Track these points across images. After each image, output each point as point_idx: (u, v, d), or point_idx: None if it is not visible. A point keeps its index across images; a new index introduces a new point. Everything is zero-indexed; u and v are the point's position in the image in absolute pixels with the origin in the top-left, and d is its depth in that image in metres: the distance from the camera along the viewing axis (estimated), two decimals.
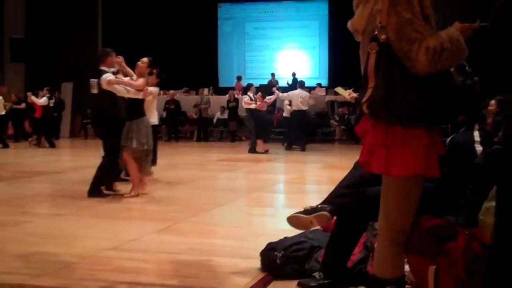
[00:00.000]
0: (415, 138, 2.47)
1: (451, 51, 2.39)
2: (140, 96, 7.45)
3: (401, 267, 2.68)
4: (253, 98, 15.50)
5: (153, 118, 8.67)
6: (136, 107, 7.45)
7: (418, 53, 2.38)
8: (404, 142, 2.47)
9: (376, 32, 2.48)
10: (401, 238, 2.63)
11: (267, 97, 16.22)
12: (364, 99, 2.51)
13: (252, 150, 15.22)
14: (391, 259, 2.62)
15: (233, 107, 19.96)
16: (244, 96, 16.15)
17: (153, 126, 8.28)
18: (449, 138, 3.19)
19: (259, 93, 15.84)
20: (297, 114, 16.19)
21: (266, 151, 15.11)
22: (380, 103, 2.44)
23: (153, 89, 8.44)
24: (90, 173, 7.59)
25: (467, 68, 3.20)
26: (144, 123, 7.40)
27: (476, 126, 3.22)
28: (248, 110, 15.49)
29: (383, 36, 2.46)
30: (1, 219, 5.80)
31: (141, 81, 7.42)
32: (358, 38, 2.69)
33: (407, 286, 3.32)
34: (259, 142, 15.32)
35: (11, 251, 4.43)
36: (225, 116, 21.26)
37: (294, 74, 21.41)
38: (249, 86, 16.15)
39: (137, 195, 7.31)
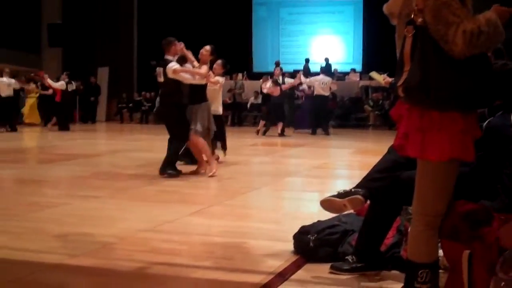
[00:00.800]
0: (452, 123, 2.46)
1: (488, 34, 2.37)
2: (203, 82, 7.82)
3: (435, 251, 2.69)
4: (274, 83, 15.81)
5: (218, 107, 8.91)
6: (198, 92, 7.82)
7: (455, 36, 2.36)
8: (441, 126, 2.46)
9: (412, 16, 2.48)
10: (436, 222, 2.62)
11: (288, 81, 16.30)
12: (399, 83, 2.51)
13: (282, 133, 15.46)
14: (425, 243, 2.62)
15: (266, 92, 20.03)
16: (267, 81, 16.37)
17: (219, 116, 8.72)
18: (486, 122, 3.16)
19: (272, 79, 15.96)
20: (318, 99, 16.34)
21: (258, 132, 15.86)
22: (416, 87, 2.44)
23: (220, 79, 8.76)
24: (126, 157, 7.70)
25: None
26: (205, 108, 7.79)
27: None
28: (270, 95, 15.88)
29: (419, 19, 2.45)
30: (39, 201, 5.93)
31: (205, 68, 7.83)
32: (393, 21, 2.68)
33: (440, 270, 3.32)
34: (261, 124, 16.17)
35: (49, 232, 4.53)
36: (259, 101, 21.29)
37: (327, 60, 21.30)
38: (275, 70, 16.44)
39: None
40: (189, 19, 24.41)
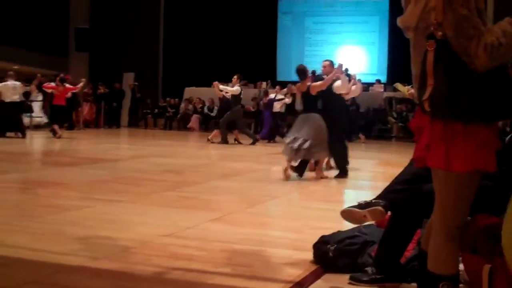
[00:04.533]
0: (476, 133, 2.44)
1: (507, 45, 2.37)
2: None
3: (456, 264, 2.65)
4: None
5: None
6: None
7: (478, 49, 2.36)
8: (465, 137, 2.44)
9: (432, 29, 2.47)
10: (457, 233, 2.59)
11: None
12: (425, 97, 2.49)
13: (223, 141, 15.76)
14: (446, 254, 2.59)
15: (290, 102, 20.02)
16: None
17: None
18: (510, 136, 3.13)
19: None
20: None
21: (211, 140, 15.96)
22: (443, 101, 2.43)
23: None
24: (148, 162, 7.74)
25: None
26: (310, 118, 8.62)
27: None
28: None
29: (439, 33, 2.44)
30: (61, 203, 5.97)
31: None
32: (408, 34, 2.68)
33: (460, 285, 3.29)
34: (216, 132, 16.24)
35: (70, 234, 4.56)
36: (283, 110, 21.28)
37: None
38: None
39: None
40: (215, 27, 24.56)
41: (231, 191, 7.37)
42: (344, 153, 9.24)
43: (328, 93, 8.98)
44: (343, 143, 9.32)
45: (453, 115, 2.44)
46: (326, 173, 9.21)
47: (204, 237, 4.65)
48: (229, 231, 4.94)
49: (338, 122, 9.16)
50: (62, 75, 17.34)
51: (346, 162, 9.26)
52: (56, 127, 15.90)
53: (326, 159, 9.54)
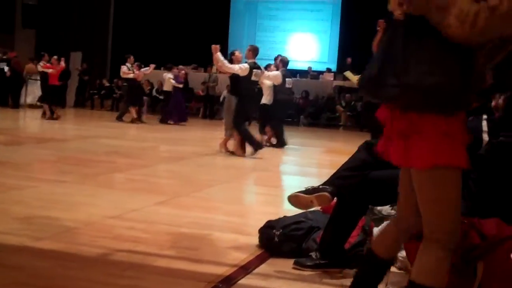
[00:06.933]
0: (432, 126, 2.16)
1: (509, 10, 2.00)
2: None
3: (444, 276, 2.31)
4: (130, 68, 16.40)
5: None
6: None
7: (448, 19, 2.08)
8: (422, 129, 2.17)
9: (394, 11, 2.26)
10: (446, 240, 2.28)
11: (144, 68, 16.89)
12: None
13: (119, 118, 16.37)
14: (432, 264, 2.29)
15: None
16: (123, 66, 16.68)
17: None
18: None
19: (136, 63, 16.59)
20: None
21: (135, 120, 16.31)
22: (369, 80, 2.26)
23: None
24: (95, 143, 7.64)
25: None
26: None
27: (484, 116, 3.17)
28: (126, 79, 16.66)
29: (398, 13, 2.23)
30: (5, 182, 5.83)
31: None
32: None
33: (401, 271, 3.37)
34: (131, 109, 16.54)
35: (14, 213, 4.47)
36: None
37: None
38: (127, 57, 16.73)
39: None
40: (167, 8, 24.26)
41: (177, 174, 7.34)
42: (246, 134, 9.88)
43: (233, 76, 10.07)
44: (243, 126, 9.93)
45: (378, 98, 2.27)
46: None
47: (150, 220, 4.63)
48: (175, 214, 4.93)
49: (241, 104, 9.74)
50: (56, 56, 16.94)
51: (251, 140, 9.91)
52: (46, 107, 15.85)
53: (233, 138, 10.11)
